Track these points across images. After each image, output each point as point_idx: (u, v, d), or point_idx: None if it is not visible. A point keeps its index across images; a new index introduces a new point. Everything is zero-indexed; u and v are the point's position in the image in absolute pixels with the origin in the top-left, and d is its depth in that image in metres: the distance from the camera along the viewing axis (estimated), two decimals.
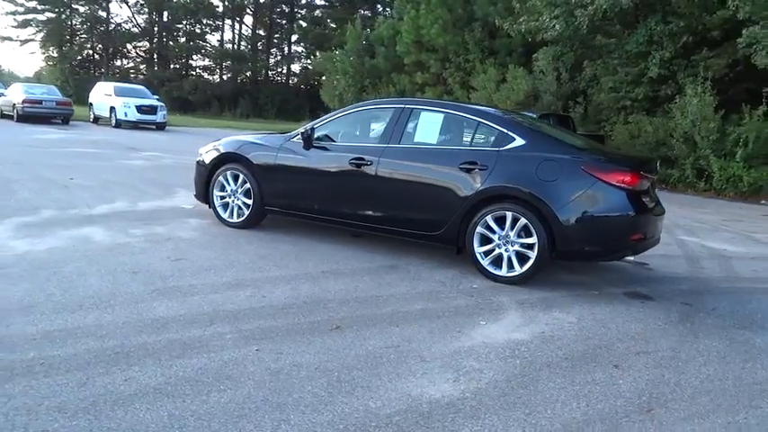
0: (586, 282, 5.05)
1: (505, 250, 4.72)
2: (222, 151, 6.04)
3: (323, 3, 44.05)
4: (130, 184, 8.32)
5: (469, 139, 5.02)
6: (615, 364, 3.34)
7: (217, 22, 47.37)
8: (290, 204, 5.70)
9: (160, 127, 21.40)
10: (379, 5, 39.74)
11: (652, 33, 15.70)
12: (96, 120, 22.23)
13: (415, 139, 5.17)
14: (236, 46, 48.32)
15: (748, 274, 5.92)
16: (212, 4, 45.85)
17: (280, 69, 49.42)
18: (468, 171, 4.78)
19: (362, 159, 5.19)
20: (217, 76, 48.05)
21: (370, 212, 5.24)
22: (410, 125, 5.20)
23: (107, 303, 3.64)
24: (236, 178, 5.92)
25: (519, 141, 4.75)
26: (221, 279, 4.31)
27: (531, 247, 4.61)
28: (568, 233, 4.48)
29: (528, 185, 4.57)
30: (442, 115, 5.18)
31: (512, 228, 4.65)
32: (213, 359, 2.99)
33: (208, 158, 6.12)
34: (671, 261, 6.04)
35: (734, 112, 14.22)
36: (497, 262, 4.77)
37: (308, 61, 48.89)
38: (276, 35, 49.07)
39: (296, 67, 48.98)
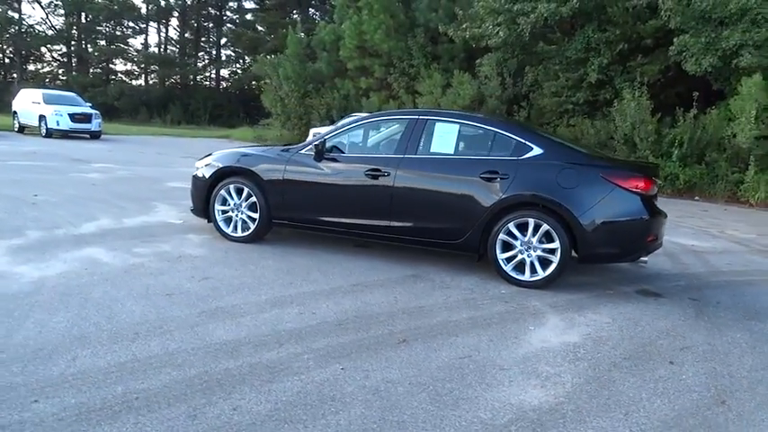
0: (596, 282, 5.31)
1: (528, 256, 4.89)
2: (223, 165, 5.90)
3: (253, 6, 43.23)
4: (102, 199, 7.92)
5: (487, 150, 5.17)
6: (670, 360, 3.56)
7: (140, 25, 45.54)
8: (301, 217, 5.65)
9: (95, 136, 20.35)
10: (311, 9, 39.55)
11: (590, 41, 16.55)
12: (22, 129, 20.86)
13: (432, 150, 5.26)
14: (162, 50, 46.64)
15: (725, 268, 6.40)
16: (135, 5, 44.06)
17: (209, 74, 48.18)
18: (490, 180, 4.92)
19: (379, 170, 5.23)
20: (141, 81, 46.19)
21: (387, 223, 5.28)
22: (425, 136, 5.28)
23: (162, 329, 3.51)
24: (239, 192, 5.80)
25: (537, 150, 4.94)
26: (260, 297, 4.23)
27: (552, 251, 4.80)
28: (590, 237, 4.71)
29: (550, 193, 4.76)
30: (457, 126, 5.30)
31: (534, 234, 4.83)
32: (306, 381, 2.96)
33: (207, 172, 5.96)
34: (654, 258, 6.39)
35: (667, 115, 15.23)
36: (520, 267, 4.93)
37: (238, 65, 48.00)
38: (203, 38, 47.78)
39: (226, 72, 47.88)
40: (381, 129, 5.86)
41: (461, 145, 5.22)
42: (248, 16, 43.38)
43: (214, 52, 48.66)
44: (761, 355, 3.74)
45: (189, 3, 44.11)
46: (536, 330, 3.94)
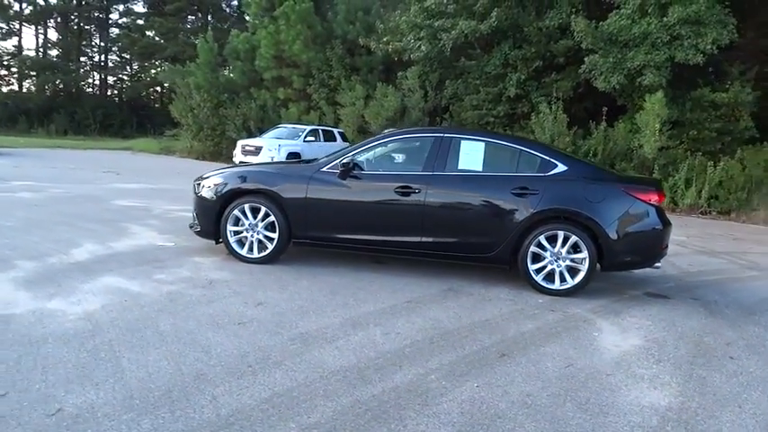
0: (605, 287, 5.75)
1: (557, 266, 5.22)
2: (236, 184, 5.71)
3: (145, 11, 40.90)
4: (63, 222, 7.30)
5: (514, 167, 5.44)
6: (731, 356, 4.01)
7: (13, 26, 41.56)
8: (327, 236, 5.60)
9: None
10: (210, 16, 38.28)
11: (507, 57, 17.59)
12: None
13: (460, 167, 5.44)
14: (41, 54, 42.83)
15: (691, 269, 7.16)
16: (6, 4, 40.13)
17: (93, 80, 44.94)
18: (521, 196, 5.20)
19: (410, 187, 5.34)
20: (15, 86, 42.17)
21: (419, 239, 5.40)
22: (452, 153, 5.46)
23: (271, 360, 3.41)
24: (254, 211, 5.65)
25: (561, 167, 5.30)
26: (332, 320, 4.19)
27: (580, 261, 5.17)
28: (616, 247, 5.12)
29: (579, 206, 5.13)
30: (483, 144, 5.53)
31: (563, 245, 5.17)
32: (458, 401, 3.03)
33: (217, 192, 5.74)
34: None
35: (578, 128, 16.56)
36: (549, 277, 5.25)
37: (126, 72, 45.36)
38: (84, 43, 44.52)
39: (112, 79, 44.95)
40: (404, 147, 5.95)
41: (489, 162, 5.45)
42: (140, 21, 41.00)
43: (97, 58, 45.52)
44: None
45: (71, 3, 40.88)
46: (600, 336, 4.25)
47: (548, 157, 5.37)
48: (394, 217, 5.44)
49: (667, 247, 5.43)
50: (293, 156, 16.29)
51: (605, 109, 16.22)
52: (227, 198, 5.70)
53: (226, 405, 2.81)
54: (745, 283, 6.48)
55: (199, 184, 6.04)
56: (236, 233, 5.73)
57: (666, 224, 5.27)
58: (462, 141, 5.53)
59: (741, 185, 13.94)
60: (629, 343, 4.13)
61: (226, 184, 5.74)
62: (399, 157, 5.91)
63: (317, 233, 5.61)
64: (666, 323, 4.67)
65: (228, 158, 21.66)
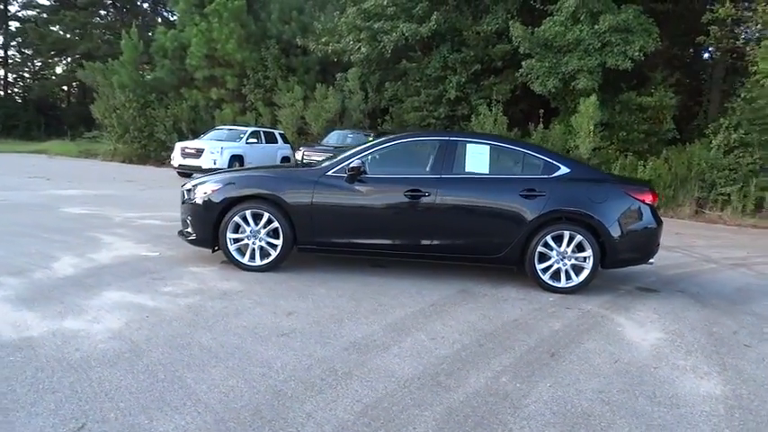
0: (599, 284, 5.94)
1: (563, 265, 5.41)
2: (236, 190, 5.49)
3: (48, 3, 38.04)
4: (24, 233, 6.72)
5: (520, 169, 5.58)
6: (745, 343, 4.32)
7: None
8: (334, 241, 5.51)
9: None
10: (125, 10, 36.32)
11: (446, 60, 17.94)
12: None
13: (467, 170, 5.51)
14: None
15: (661, 263, 7.54)
16: None
17: None
18: (529, 197, 5.35)
19: (419, 191, 5.35)
20: None
21: (429, 242, 5.42)
22: (458, 156, 5.52)
23: (342, 372, 3.31)
24: (256, 217, 5.46)
25: (564, 169, 5.49)
26: (372, 327, 4.12)
27: (584, 259, 5.38)
28: (618, 246, 5.37)
29: (584, 207, 5.34)
30: (487, 147, 5.63)
31: (568, 245, 5.36)
32: (546, 402, 3.08)
33: (215, 198, 5.50)
34: None
35: (515, 129, 17.18)
36: (555, 275, 5.43)
37: (27, 69, 42.25)
38: None
39: (12, 76, 41.68)
40: (407, 151, 5.93)
41: (494, 165, 5.56)
42: (45, 14, 38.08)
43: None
44: None
45: None
46: (624, 331, 4.44)
47: (551, 160, 5.55)
48: (405, 220, 5.43)
49: (659, 244, 5.75)
50: (236, 159, 15.81)
51: (542, 111, 16.94)
52: (228, 204, 5.46)
53: (325, 421, 2.71)
54: (712, 275, 6.97)
55: (190, 191, 5.76)
56: (236, 241, 5.51)
57: (659, 222, 5.59)
58: (468, 144, 5.60)
59: (668, 183, 14.95)
60: (653, 336, 4.35)
61: (225, 189, 5.51)
62: (405, 161, 5.89)
63: (323, 239, 5.49)
64: (672, 316, 4.94)
65: (158, 161, 20.76)
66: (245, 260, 5.51)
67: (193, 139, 17.98)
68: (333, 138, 15.50)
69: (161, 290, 4.75)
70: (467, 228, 5.41)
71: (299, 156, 14.11)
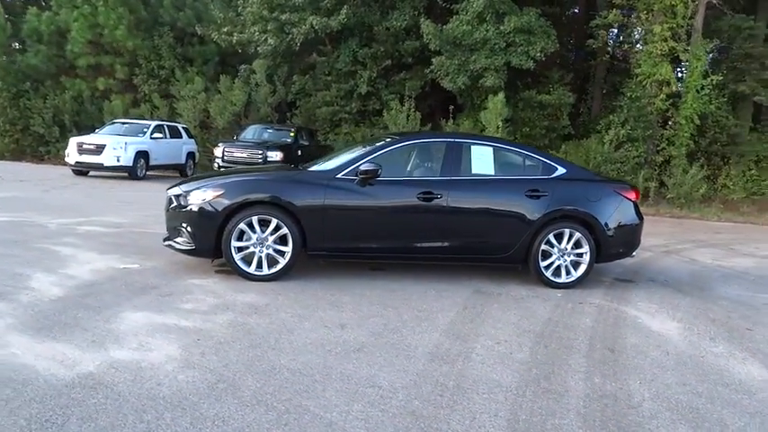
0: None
1: (563, 261, 5.70)
2: (242, 195, 5.15)
3: None
4: None
5: (522, 170, 5.77)
6: (747, 327, 4.84)
7: None
8: (346, 246, 5.36)
9: None
10: None
11: (356, 55, 17.94)
12: None
13: (474, 171, 5.60)
14: None
15: None
16: None
17: None
18: (534, 197, 5.56)
19: (431, 193, 5.36)
20: None
21: (442, 243, 5.46)
22: (465, 158, 5.60)
23: (453, 384, 3.27)
24: (263, 224, 5.17)
25: (561, 170, 5.77)
26: (431, 335, 4.09)
27: (581, 255, 5.71)
28: (611, 241, 5.76)
29: (583, 206, 5.65)
30: (491, 149, 5.75)
31: (568, 242, 5.66)
32: (650, 398, 3.26)
33: (217, 204, 5.11)
34: None
35: (424, 125, 17.64)
36: (556, 272, 5.71)
37: None
38: None
39: None
40: (414, 153, 5.88)
41: (499, 166, 5.70)
42: None
43: None
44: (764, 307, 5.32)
45: None
46: (645, 323, 4.79)
47: (548, 161, 5.80)
48: (417, 223, 5.41)
49: (641, 239, 6.22)
50: (141, 155, 14.68)
51: (452, 107, 17.50)
52: (232, 210, 5.10)
53: None
54: (658, 263, 7.67)
55: (180, 197, 5.31)
56: (240, 249, 5.17)
57: (642, 218, 6.05)
58: (472, 146, 5.69)
59: None
60: (670, 326, 4.73)
61: (229, 194, 5.13)
62: (413, 163, 5.85)
63: (335, 244, 5.32)
64: (668, 305, 5.39)
65: (36, 158, 18.78)
66: (252, 270, 5.19)
67: (79, 133, 16.40)
68: (249, 133, 14.90)
69: (182, 307, 4.35)
70: (477, 229, 5.51)
71: (217, 152, 13.39)
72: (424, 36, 16.70)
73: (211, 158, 18.22)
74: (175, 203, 5.34)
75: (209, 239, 5.12)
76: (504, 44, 16.36)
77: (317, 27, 17.04)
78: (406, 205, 5.36)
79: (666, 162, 16.81)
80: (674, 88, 16.24)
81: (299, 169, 5.89)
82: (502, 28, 16.16)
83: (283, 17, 17.35)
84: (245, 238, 5.16)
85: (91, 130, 16.62)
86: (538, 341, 4.09)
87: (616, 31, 19.05)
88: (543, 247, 5.59)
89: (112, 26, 18.49)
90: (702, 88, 16.22)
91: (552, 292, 5.53)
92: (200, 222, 5.14)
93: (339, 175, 5.32)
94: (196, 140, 17.29)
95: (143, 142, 14.83)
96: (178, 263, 5.69)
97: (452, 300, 5.01)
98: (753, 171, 17.78)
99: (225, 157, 13.23)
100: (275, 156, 13.04)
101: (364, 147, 5.94)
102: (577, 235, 5.61)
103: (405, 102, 16.95)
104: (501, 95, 16.13)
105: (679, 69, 18.31)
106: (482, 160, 5.63)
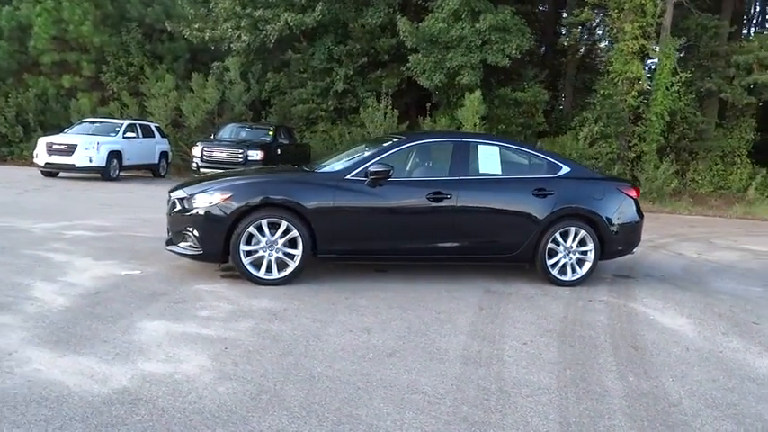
0: None
1: (568, 259, 5.75)
2: (252, 197, 5.04)
3: None
4: None
5: (527, 169, 5.80)
6: (753, 321, 4.97)
7: None
8: (357, 248, 5.30)
9: None
10: None
11: (332, 52, 17.79)
12: None
13: (481, 171, 5.60)
14: None
15: None
16: None
17: None
18: (541, 196, 5.59)
19: (441, 193, 5.34)
20: None
21: (452, 244, 5.44)
22: (472, 158, 5.59)
23: (508, 390, 3.26)
24: (273, 227, 5.07)
25: (566, 168, 5.82)
26: (457, 337, 4.07)
27: (585, 253, 5.77)
28: (614, 238, 5.83)
29: (588, 204, 5.71)
30: (497, 148, 5.76)
31: (573, 240, 5.72)
32: (687, 396, 3.31)
33: (226, 207, 4.98)
34: None
35: (407, 122, 17.65)
36: (562, 270, 5.76)
37: None
38: None
39: None
40: (422, 153, 5.84)
41: (505, 166, 5.71)
42: None
43: None
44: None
45: None
46: (657, 319, 4.87)
47: (553, 160, 5.85)
48: (427, 224, 5.39)
49: (641, 236, 6.32)
50: (114, 155, 14.27)
51: (429, 105, 17.54)
52: (242, 213, 4.99)
53: None
54: (649, 258, 7.81)
55: (184, 200, 5.16)
56: (249, 253, 5.06)
57: (642, 216, 6.15)
58: (479, 146, 5.69)
59: None
60: (682, 321, 4.83)
61: (237, 197, 5.01)
62: (422, 163, 5.81)
63: (345, 246, 5.26)
64: (671, 301, 5.49)
65: None
66: (261, 274, 5.08)
67: (44, 133, 15.83)
68: (227, 132, 14.60)
69: (198, 315, 4.23)
70: (486, 228, 5.52)
71: (196, 152, 13.09)
72: (401, 33, 16.65)
73: (184, 158, 17.92)
74: (179, 207, 5.19)
75: (217, 244, 4.99)
76: (480, 42, 16.45)
77: (291, 24, 16.83)
78: (417, 206, 5.33)
79: (638, 158, 17.21)
80: (644, 86, 16.62)
81: (305, 170, 5.78)
82: (477, 26, 16.23)
83: (257, 13, 17.09)
84: (253, 241, 5.04)
85: (57, 129, 16.06)
86: (562, 341, 4.11)
87: (582, 28, 19.40)
88: (549, 245, 5.63)
89: (78, 21, 17.89)
90: (672, 85, 16.65)
91: (560, 290, 5.57)
92: (208, 226, 5.00)
93: (348, 177, 5.25)
94: (169, 140, 16.88)
95: (116, 142, 14.41)
96: (180, 268, 5.54)
97: (466, 300, 5.00)
98: (719, 166, 18.34)
99: (204, 157, 12.94)
100: (256, 155, 12.82)
101: (369, 147, 5.89)
102: (582, 233, 5.67)
103: (382, 99, 16.89)
104: (478, 93, 16.23)
105: (647, 67, 18.72)
106: (489, 160, 5.64)
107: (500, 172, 5.67)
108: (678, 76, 16.53)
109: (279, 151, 13.85)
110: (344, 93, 17.83)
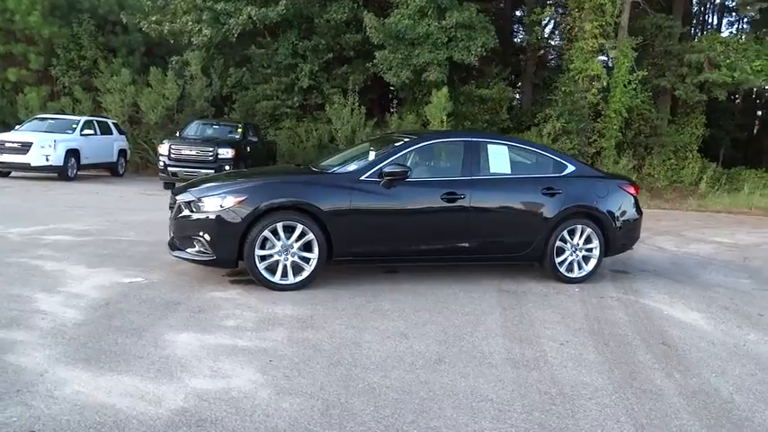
0: None
1: (575, 257, 5.83)
2: (268, 199, 4.86)
3: None
4: None
5: (534, 168, 5.83)
6: (759, 313, 5.16)
7: None
8: (372, 251, 5.21)
9: None
10: None
11: (296, 48, 17.49)
12: None
13: (491, 170, 5.59)
14: None
15: None
16: None
17: None
18: (549, 195, 5.63)
19: (455, 193, 5.31)
20: None
21: (465, 244, 5.42)
22: (483, 157, 5.57)
23: (580, 395, 3.25)
24: (288, 230, 4.92)
25: (571, 167, 5.89)
26: (495, 339, 4.04)
27: (590, 250, 5.87)
28: (618, 235, 5.95)
29: (594, 202, 5.80)
30: (506, 147, 5.76)
31: (579, 237, 5.80)
32: (755, 394, 3.39)
33: (239, 210, 4.79)
34: None
35: (375, 119, 17.57)
36: (569, 267, 5.83)
37: None
38: None
39: None
40: (433, 153, 5.78)
41: (514, 165, 5.72)
42: None
43: None
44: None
45: None
46: (670, 314, 4.99)
47: (559, 159, 5.91)
48: (441, 224, 5.35)
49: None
50: (72, 154, 13.60)
51: (395, 101, 17.51)
52: (257, 216, 4.81)
53: None
54: (636, 252, 7.93)
55: (192, 203, 4.94)
56: (264, 258, 4.89)
57: (641, 212, 6.29)
58: (489, 145, 5.68)
59: None
60: (695, 316, 4.96)
61: (252, 200, 4.83)
62: (434, 163, 5.76)
63: (361, 249, 5.16)
64: (677, 295, 5.64)
65: None
66: (277, 279, 4.92)
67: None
68: (192, 129, 14.10)
69: (224, 325, 4.05)
70: (499, 228, 5.53)
71: (163, 150, 12.60)
72: (367, 29, 16.51)
73: (143, 156, 17.28)
74: (186, 210, 4.96)
75: (231, 248, 4.80)
76: (447, 39, 16.50)
77: (254, 18, 16.43)
78: (432, 206, 5.28)
79: (597, 153, 17.69)
80: (604, 83, 17.09)
81: (314, 171, 5.63)
82: (444, 23, 16.29)
83: (218, 7, 16.61)
84: (267, 245, 4.87)
85: (3, 126, 15.18)
86: (596, 339, 4.15)
87: (540, 27, 19.76)
88: (558, 243, 5.68)
89: (24, 11, 16.92)
90: (629, 83, 17.19)
91: (569, 287, 5.63)
92: (221, 230, 4.80)
93: (363, 177, 5.14)
94: (127, 137, 16.21)
95: (73, 139, 13.73)
96: (183, 274, 5.32)
97: (486, 301, 4.99)
98: (672, 160, 19.07)
99: (172, 155, 12.44)
100: (227, 153, 12.44)
101: (374, 146, 5.79)
102: (588, 230, 5.75)
103: (348, 96, 16.73)
104: (445, 90, 16.29)
105: (605, 65, 19.25)
106: (499, 159, 5.63)
107: (509, 171, 5.68)
108: (635, 74, 17.08)
109: (248, 149, 13.51)
110: (310, 89, 17.57)
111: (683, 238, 9.79)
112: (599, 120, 17.54)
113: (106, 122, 15.53)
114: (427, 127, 16.82)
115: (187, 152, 12.40)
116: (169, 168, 12.40)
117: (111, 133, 15.50)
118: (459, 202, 5.29)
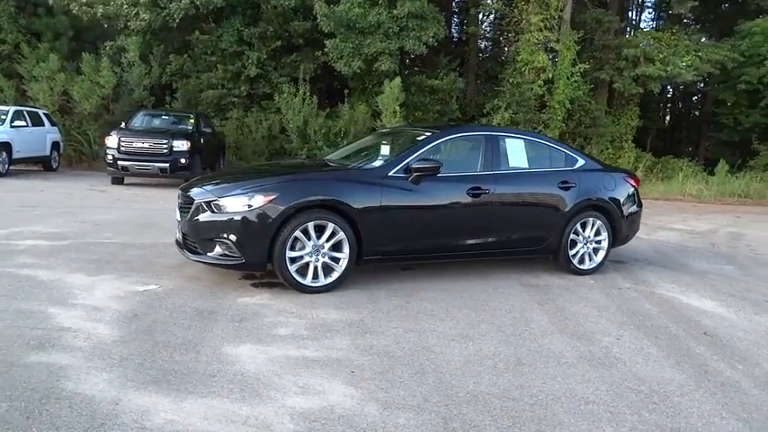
0: None
1: (586, 249, 5.94)
2: (300, 198, 4.61)
3: None
4: None
5: (549, 162, 5.85)
6: (765, 299, 5.45)
7: None
8: (402, 248, 5.07)
9: None
10: None
11: (242, 34, 16.84)
12: None
13: (511, 165, 5.57)
14: None
15: None
16: None
17: None
18: (564, 189, 5.70)
19: (479, 188, 5.26)
20: None
21: (487, 239, 5.40)
22: (502, 152, 5.55)
23: (660, 395, 3.27)
24: (319, 229, 4.71)
25: (581, 161, 5.99)
26: (551, 338, 4.04)
27: (600, 242, 6.00)
28: (624, 227, 6.11)
29: (604, 194, 5.92)
30: (522, 141, 5.76)
31: (591, 229, 5.92)
32: None
33: (270, 210, 4.51)
34: None
35: (328, 109, 17.23)
36: (581, 260, 5.94)
37: None
38: None
39: None
40: (454, 147, 5.66)
41: (531, 159, 5.73)
42: None
43: None
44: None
45: None
46: (692, 303, 5.16)
47: (570, 153, 5.99)
48: (467, 219, 5.29)
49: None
50: (2, 147, 12.48)
51: (347, 91, 17.26)
52: (288, 216, 4.55)
53: None
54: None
55: (211, 203, 4.61)
56: (294, 259, 4.65)
57: (641, 204, 6.47)
58: (506, 139, 5.66)
59: None
60: (711, 304, 5.16)
61: (285, 198, 4.55)
62: (455, 157, 5.65)
63: (392, 247, 5.01)
64: (682, 283, 5.86)
65: None
66: (308, 281, 4.69)
67: None
68: (139, 120, 13.24)
69: (278, 333, 3.81)
70: (520, 222, 5.53)
71: (111, 143, 11.76)
72: (317, 17, 16.12)
73: (76, 148, 16.15)
74: (207, 210, 4.62)
75: (262, 250, 4.53)
76: (398, 28, 16.39)
77: (197, 2, 15.66)
78: (459, 202, 5.19)
79: None
80: (549, 75, 17.60)
81: (334, 167, 5.40)
82: (395, 12, 16.16)
83: None
84: (297, 246, 4.62)
85: None
86: (646, 333, 4.22)
87: (482, 18, 20.08)
88: (572, 236, 5.76)
89: None
90: (572, 75, 17.79)
91: (584, 279, 5.74)
92: (250, 232, 4.50)
93: (390, 173, 4.97)
94: (59, 128, 15.05)
95: (3, 132, 12.57)
96: (197, 278, 4.99)
97: (516, 296, 4.99)
98: (609, 150, 19.94)
99: (122, 148, 11.63)
100: (182, 146, 11.78)
101: (386, 140, 5.68)
102: (599, 223, 5.88)
103: (299, 85, 16.29)
104: (398, 80, 16.20)
105: (550, 57, 19.80)
106: (517, 153, 5.63)
107: (527, 165, 5.68)
108: (577, 67, 17.68)
109: (202, 141, 12.87)
110: (257, 78, 16.98)
111: (647, 226, 10.19)
112: (544, 111, 18.04)
113: (37, 113, 14.33)
114: (379, 116, 16.69)
115: (139, 145, 11.65)
116: (119, 162, 11.61)
117: (43, 125, 14.33)
118: (483, 197, 5.23)
